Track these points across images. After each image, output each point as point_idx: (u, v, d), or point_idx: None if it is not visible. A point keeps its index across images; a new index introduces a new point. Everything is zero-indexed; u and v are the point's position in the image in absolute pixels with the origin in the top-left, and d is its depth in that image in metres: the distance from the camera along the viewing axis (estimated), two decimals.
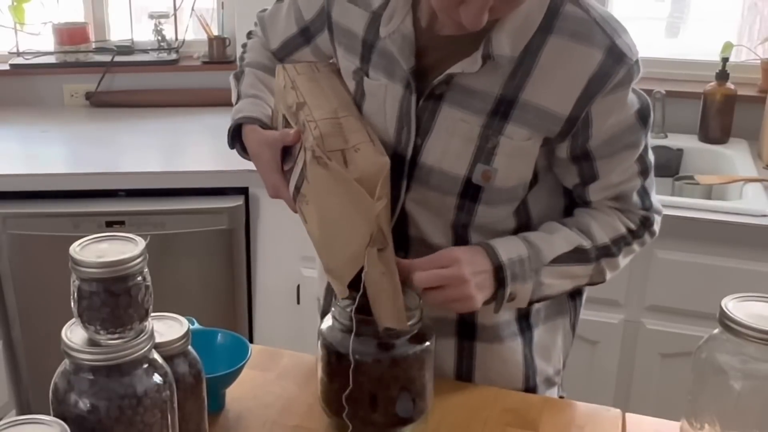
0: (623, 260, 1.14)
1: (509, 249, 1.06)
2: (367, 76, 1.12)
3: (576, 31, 1.01)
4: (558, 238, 1.09)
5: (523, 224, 1.13)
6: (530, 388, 1.20)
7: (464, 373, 1.19)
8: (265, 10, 1.36)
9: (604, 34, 1.01)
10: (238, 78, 1.29)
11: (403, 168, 1.09)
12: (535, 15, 1.01)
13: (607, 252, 1.12)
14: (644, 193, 1.14)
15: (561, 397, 1.29)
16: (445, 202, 1.09)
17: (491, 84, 1.04)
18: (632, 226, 1.13)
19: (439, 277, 1.02)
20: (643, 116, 1.07)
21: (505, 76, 1.03)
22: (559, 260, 1.08)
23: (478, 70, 1.02)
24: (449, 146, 1.06)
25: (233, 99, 1.26)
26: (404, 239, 1.13)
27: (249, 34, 1.40)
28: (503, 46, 1.01)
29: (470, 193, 1.08)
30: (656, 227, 1.17)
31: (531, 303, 1.10)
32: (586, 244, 1.10)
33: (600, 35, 1.01)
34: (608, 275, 1.14)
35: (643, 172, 1.12)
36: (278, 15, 1.29)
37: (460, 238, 1.12)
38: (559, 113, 1.03)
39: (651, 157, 1.12)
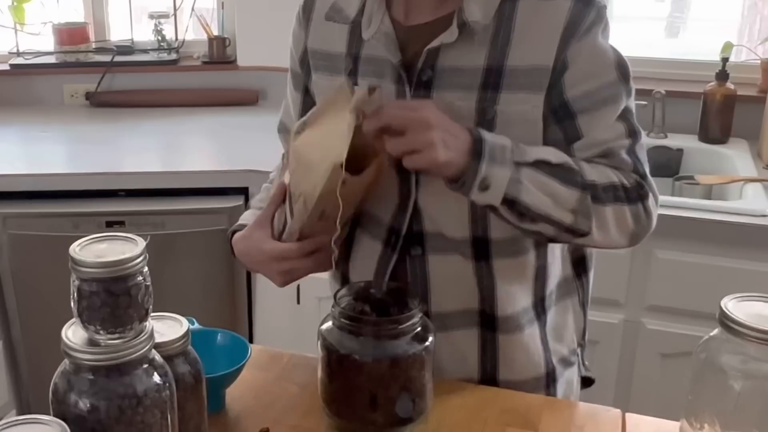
0: (612, 220, 1.06)
1: (493, 135, 1.02)
2: (355, 86, 1.12)
3: None
4: (547, 150, 1.05)
5: None
6: (550, 371, 1.21)
7: (489, 370, 1.18)
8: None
9: None
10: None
11: None
12: None
13: (595, 193, 1.04)
14: (635, 158, 1.09)
15: (586, 378, 1.30)
16: None
17: (475, 57, 1.06)
18: (626, 183, 1.07)
19: (402, 117, 0.98)
20: (622, 70, 1.07)
21: (486, 47, 1.05)
22: (543, 168, 1.02)
23: (457, 43, 1.05)
24: None
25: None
26: (420, 236, 1.13)
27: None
28: (474, 12, 1.04)
29: None
30: (652, 208, 1.09)
31: (505, 201, 1.01)
32: (575, 167, 1.04)
33: None
34: (594, 226, 1.04)
35: (631, 134, 1.09)
36: (288, 104, 1.31)
37: (480, 222, 1.11)
38: (545, 66, 1.05)
39: (637, 124, 1.10)
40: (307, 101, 1.25)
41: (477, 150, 0.99)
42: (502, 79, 1.05)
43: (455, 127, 1.00)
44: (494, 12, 1.05)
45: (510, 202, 1.01)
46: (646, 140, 1.20)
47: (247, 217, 1.25)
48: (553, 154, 1.05)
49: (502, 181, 1.00)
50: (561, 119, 1.07)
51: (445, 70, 1.07)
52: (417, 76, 1.08)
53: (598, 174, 1.06)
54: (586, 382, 1.32)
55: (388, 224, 1.15)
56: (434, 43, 1.06)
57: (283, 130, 1.33)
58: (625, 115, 1.09)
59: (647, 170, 1.11)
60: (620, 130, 1.08)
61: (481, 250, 1.12)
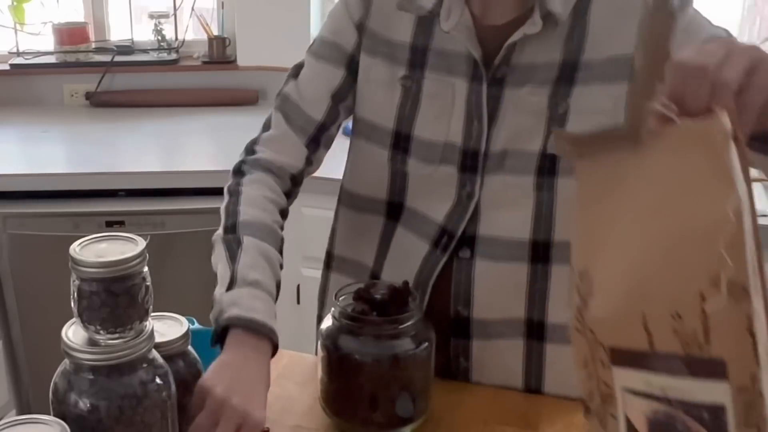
0: None
1: None
2: (422, 79, 1.10)
3: None
4: None
5: None
6: None
7: (534, 382, 1.15)
8: (268, 126, 1.21)
9: None
10: (226, 228, 1.09)
11: (477, 163, 1.08)
12: None
13: None
14: None
15: None
16: (522, 184, 1.07)
17: (551, 53, 1.05)
18: None
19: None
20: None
21: (561, 41, 1.04)
22: None
23: (536, 36, 1.02)
24: (519, 124, 1.06)
25: (221, 263, 1.07)
26: (471, 239, 1.10)
27: (248, 156, 1.19)
28: (557, 4, 1.02)
29: (547, 166, 1.06)
30: None
31: None
32: None
33: None
34: None
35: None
36: (305, 82, 1.18)
37: (544, 224, 1.08)
38: (627, 54, 1.01)
39: None
40: (350, 81, 1.16)
41: None
42: (576, 73, 1.04)
43: None
44: (572, 6, 1.03)
45: None
46: None
47: (238, 301, 0.99)
48: None
49: None
50: None
51: (520, 66, 1.06)
52: (492, 72, 1.06)
53: None
54: None
55: (441, 224, 1.12)
56: (516, 36, 1.03)
57: (295, 116, 1.17)
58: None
59: None
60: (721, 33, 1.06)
61: (540, 253, 1.09)
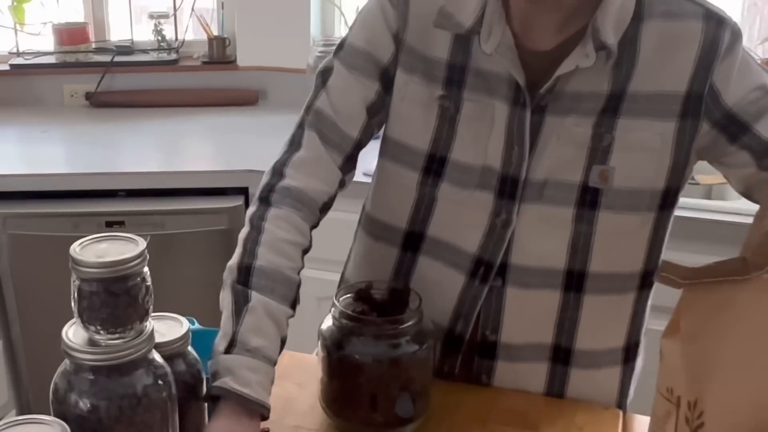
0: None
1: None
2: (460, 99, 1.06)
3: (666, 11, 1.01)
4: None
5: (654, 257, 1.07)
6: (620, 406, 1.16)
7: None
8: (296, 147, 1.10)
9: (694, 4, 1.01)
10: (240, 270, 1.02)
11: (516, 190, 1.05)
12: (628, 2, 1.00)
13: None
14: None
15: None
16: (560, 215, 1.04)
17: (599, 83, 1.01)
18: None
19: None
20: None
21: (609, 71, 1.00)
22: None
23: (589, 67, 0.99)
24: (561, 154, 1.03)
25: (225, 312, 1.00)
26: (503, 267, 1.07)
27: (268, 197, 1.07)
28: (609, 33, 0.98)
29: (588, 199, 1.03)
30: None
31: None
32: None
33: (690, 6, 1.01)
34: None
35: None
36: (338, 95, 1.10)
37: (580, 255, 1.05)
38: (675, 92, 1.00)
39: None
40: (383, 95, 1.10)
41: None
42: (622, 104, 1.01)
43: None
44: (621, 35, 0.99)
45: None
46: None
47: (233, 368, 0.94)
48: None
49: None
50: (735, 135, 1.01)
51: (566, 94, 1.01)
52: (537, 99, 1.02)
53: None
54: None
55: (476, 254, 1.08)
56: (567, 68, 0.99)
57: (331, 132, 1.09)
58: None
59: None
60: None
61: (574, 282, 1.07)
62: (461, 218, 1.09)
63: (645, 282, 1.10)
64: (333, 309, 1.04)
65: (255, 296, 0.99)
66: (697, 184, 2.18)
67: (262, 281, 1.00)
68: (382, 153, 1.15)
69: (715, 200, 2.07)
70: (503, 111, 1.04)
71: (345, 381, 1.03)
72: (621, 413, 1.12)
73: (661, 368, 0.84)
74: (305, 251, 1.08)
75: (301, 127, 1.11)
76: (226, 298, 1.02)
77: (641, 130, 1.01)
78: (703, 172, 2.25)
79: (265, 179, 1.10)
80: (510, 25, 1.03)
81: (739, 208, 1.91)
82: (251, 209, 1.08)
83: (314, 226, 1.10)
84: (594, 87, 1.01)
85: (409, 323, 1.01)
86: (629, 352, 1.14)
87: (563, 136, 1.02)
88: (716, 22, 1.00)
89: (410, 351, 1.01)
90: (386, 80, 1.10)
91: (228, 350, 0.96)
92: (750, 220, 1.98)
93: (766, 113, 1.01)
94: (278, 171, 1.09)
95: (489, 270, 1.08)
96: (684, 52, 1.00)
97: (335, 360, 1.02)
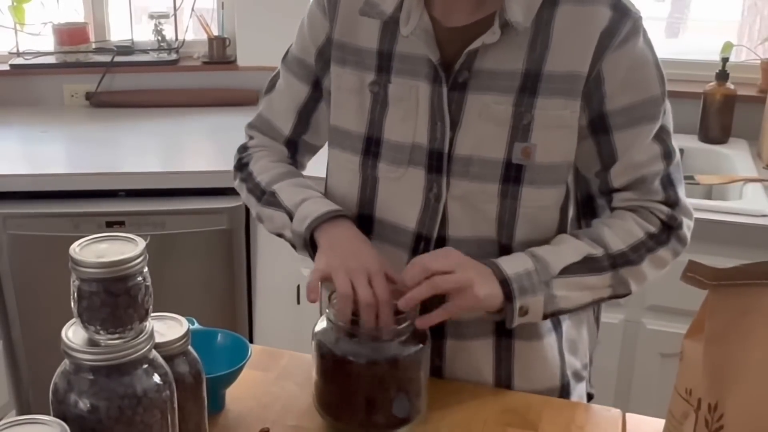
0: (650, 269, 1.11)
1: (514, 264, 1.06)
2: (389, 83, 1.12)
3: None
4: (566, 249, 1.08)
5: (565, 222, 1.13)
6: (565, 384, 1.20)
7: (504, 377, 1.17)
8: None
9: None
10: (258, 198, 1.22)
11: (442, 164, 1.09)
12: None
13: (626, 260, 1.09)
14: (668, 183, 1.11)
15: (590, 395, 1.29)
16: (487, 191, 1.09)
17: (513, 61, 1.06)
18: (652, 230, 1.11)
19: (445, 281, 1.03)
20: (663, 87, 1.10)
21: (524, 50, 1.05)
22: (570, 271, 1.07)
23: (497, 44, 1.04)
24: (484, 132, 1.07)
25: (275, 215, 1.18)
26: (442, 241, 1.12)
27: (243, 153, 1.30)
28: (516, 13, 1.03)
29: (512, 175, 1.08)
30: (686, 231, 1.13)
31: (546, 317, 1.08)
32: (597, 252, 1.08)
33: None
34: (633, 286, 1.11)
35: (666, 156, 1.11)
36: (278, 97, 1.27)
37: (506, 231, 1.10)
38: (580, 72, 1.05)
39: (675, 145, 1.12)
40: (315, 96, 1.23)
41: (507, 291, 1.04)
42: (539, 84, 1.05)
43: (480, 266, 1.05)
44: (534, 15, 1.04)
45: (551, 314, 1.08)
46: None
47: (311, 213, 1.12)
48: (575, 251, 1.08)
49: (539, 305, 1.06)
50: (596, 132, 1.09)
51: (483, 72, 1.07)
52: (453, 76, 1.07)
53: (622, 237, 1.09)
54: (587, 397, 1.31)
55: (414, 230, 1.13)
56: (475, 44, 1.05)
57: (267, 129, 1.28)
58: (660, 135, 1.10)
59: (680, 192, 1.13)
60: (655, 151, 1.10)
61: (505, 253, 1.10)
62: (400, 196, 1.13)
63: None
64: (327, 311, 1.04)
65: (276, 186, 1.20)
66: (697, 184, 2.18)
67: (274, 182, 1.21)
68: (330, 142, 1.23)
69: (715, 200, 2.07)
70: (426, 90, 1.09)
71: (340, 383, 1.02)
72: (621, 413, 1.12)
73: (681, 368, 0.84)
74: (293, 166, 1.28)
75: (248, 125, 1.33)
76: (267, 214, 1.20)
77: (558, 108, 1.06)
78: (703, 173, 2.25)
79: (234, 161, 1.30)
80: (430, 9, 1.10)
81: (739, 208, 1.92)
82: (236, 181, 1.29)
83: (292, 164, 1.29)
84: (509, 65, 1.06)
85: (404, 325, 1.01)
86: (556, 317, 1.18)
87: (485, 114, 1.07)
88: (621, 12, 1.05)
89: (406, 352, 1.01)
90: (317, 82, 1.22)
91: (292, 219, 1.14)
92: (750, 220, 1.99)
93: (632, 128, 1.08)
94: (241, 149, 1.31)
95: (428, 244, 1.12)
96: (588, 35, 1.04)
97: (330, 362, 1.02)
